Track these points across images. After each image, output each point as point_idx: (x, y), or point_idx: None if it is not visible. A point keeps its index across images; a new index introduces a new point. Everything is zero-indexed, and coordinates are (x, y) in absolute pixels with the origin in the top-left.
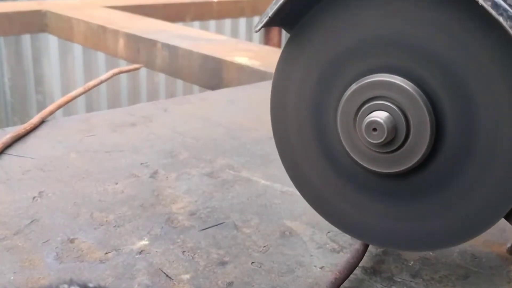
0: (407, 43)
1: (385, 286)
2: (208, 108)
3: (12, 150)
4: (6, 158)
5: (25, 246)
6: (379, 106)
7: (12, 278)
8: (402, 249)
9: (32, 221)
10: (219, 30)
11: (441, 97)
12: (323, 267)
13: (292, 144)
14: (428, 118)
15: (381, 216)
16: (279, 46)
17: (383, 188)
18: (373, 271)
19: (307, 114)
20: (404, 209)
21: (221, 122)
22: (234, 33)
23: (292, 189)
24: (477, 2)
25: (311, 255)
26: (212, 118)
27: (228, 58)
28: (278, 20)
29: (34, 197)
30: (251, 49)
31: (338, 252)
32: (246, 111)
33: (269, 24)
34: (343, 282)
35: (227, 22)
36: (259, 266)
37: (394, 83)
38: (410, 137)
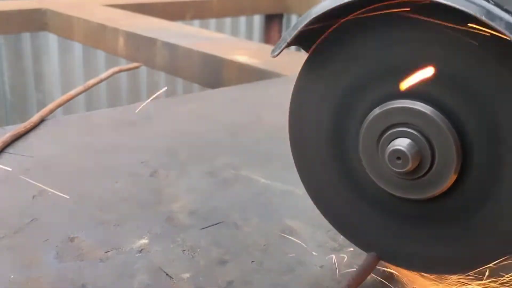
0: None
1: (385, 286)
2: (208, 106)
3: (12, 149)
4: (6, 156)
5: (25, 245)
6: (402, 133)
7: (12, 277)
8: (431, 272)
9: (32, 220)
10: (219, 29)
11: (465, 121)
12: (323, 266)
13: (314, 171)
14: (453, 145)
15: (405, 240)
16: None
17: (408, 213)
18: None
19: (326, 140)
20: (429, 233)
21: (221, 120)
22: (234, 32)
23: (292, 188)
24: (509, 37)
25: (312, 254)
26: (212, 117)
27: (228, 56)
28: (295, 42)
29: (34, 196)
30: (251, 48)
31: (338, 251)
32: (246, 109)
33: (286, 47)
34: None
35: (227, 20)
36: (259, 265)
37: (416, 109)
38: (436, 163)
